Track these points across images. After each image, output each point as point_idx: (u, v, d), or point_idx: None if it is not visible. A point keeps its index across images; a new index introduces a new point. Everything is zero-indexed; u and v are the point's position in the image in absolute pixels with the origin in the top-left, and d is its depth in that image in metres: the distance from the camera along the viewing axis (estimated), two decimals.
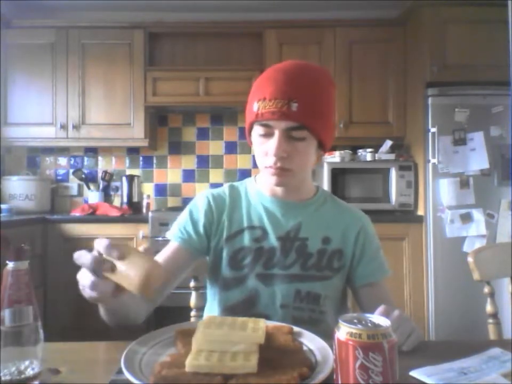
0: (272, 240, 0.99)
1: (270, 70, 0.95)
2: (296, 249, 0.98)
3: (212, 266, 1.02)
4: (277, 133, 0.89)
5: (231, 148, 3.23)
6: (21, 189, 2.88)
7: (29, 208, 2.85)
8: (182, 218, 1.03)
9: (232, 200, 1.03)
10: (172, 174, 3.25)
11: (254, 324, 0.67)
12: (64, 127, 2.88)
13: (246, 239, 0.99)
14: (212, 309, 1.03)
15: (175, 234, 1.01)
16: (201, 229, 1.00)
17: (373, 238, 1.05)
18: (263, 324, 0.67)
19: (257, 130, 0.93)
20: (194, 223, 1.00)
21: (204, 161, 3.25)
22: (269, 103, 0.88)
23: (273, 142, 0.90)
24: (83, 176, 3.07)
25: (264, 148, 0.92)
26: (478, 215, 2.44)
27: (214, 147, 3.24)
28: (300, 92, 0.88)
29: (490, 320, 1.11)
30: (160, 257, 0.97)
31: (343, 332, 0.51)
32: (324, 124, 0.93)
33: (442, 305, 2.47)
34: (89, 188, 3.07)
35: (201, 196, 1.05)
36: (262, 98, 0.89)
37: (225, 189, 1.06)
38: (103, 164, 3.23)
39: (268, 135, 0.91)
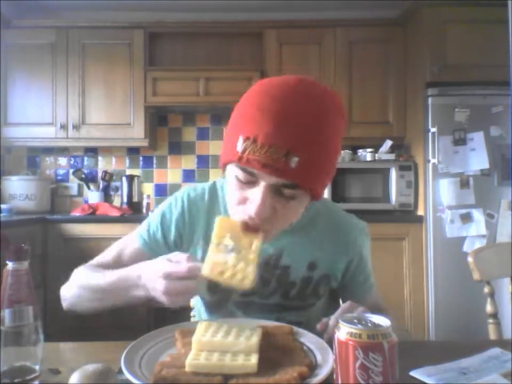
0: None
1: (262, 92, 0.71)
2: (276, 278, 0.88)
3: None
4: (262, 185, 0.69)
5: None
6: (21, 189, 2.88)
7: (29, 208, 2.85)
8: (153, 220, 0.92)
9: (209, 209, 0.90)
10: (172, 174, 3.25)
11: (251, 331, 0.67)
12: (64, 127, 2.87)
13: None
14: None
15: (141, 234, 0.91)
16: (170, 241, 0.90)
17: (366, 261, 0.94)
18: (259, 331, 0.67)
19: (236, 172, 0.71)
20: (163, 232, 0.90)
21: (203, 161, 3.24)
22: (261, 149, 0.65)
23: (255, 196, 0.69)
24: (83, 176, 3.07)
25: (241, 195, 0.73)
26: (478, 215, 2.44)
27: (214, 147, 3.24)
28: (303, 140, 0.67)
29: (490, 320, 1.11)
30: (115, 251, 0.92)
31: (343, 332, 0.51)
32: (324, 179, 0.74)
33: (442, 305, 2.46)
34: (89, 188, 3.07)
35: (177, 199, 0.92)
36: (250, 136, 0.67)
37: (206, 191, 0.92)
38: (103, 164, 3.23)
39: (250, 183, 0.71)
